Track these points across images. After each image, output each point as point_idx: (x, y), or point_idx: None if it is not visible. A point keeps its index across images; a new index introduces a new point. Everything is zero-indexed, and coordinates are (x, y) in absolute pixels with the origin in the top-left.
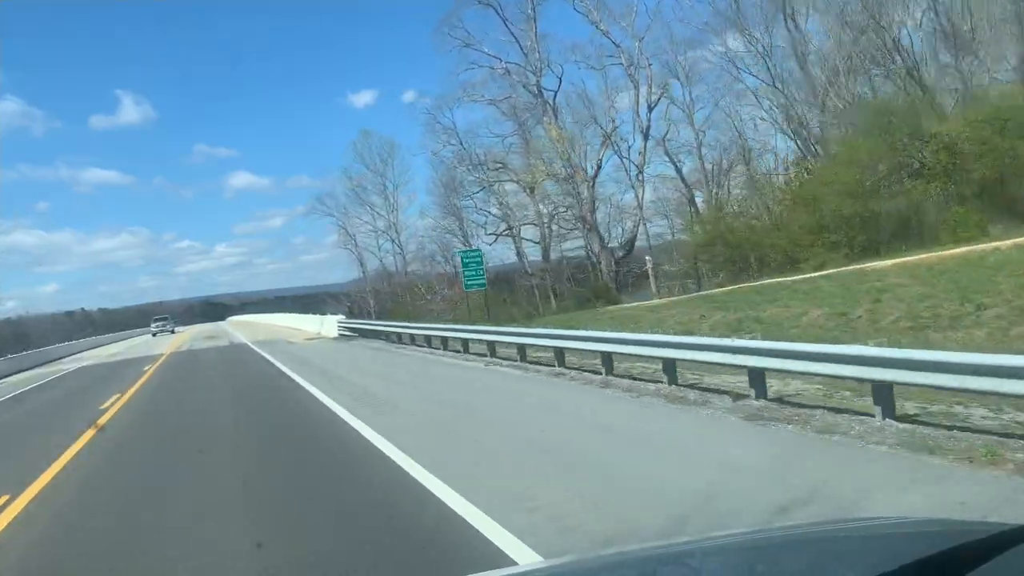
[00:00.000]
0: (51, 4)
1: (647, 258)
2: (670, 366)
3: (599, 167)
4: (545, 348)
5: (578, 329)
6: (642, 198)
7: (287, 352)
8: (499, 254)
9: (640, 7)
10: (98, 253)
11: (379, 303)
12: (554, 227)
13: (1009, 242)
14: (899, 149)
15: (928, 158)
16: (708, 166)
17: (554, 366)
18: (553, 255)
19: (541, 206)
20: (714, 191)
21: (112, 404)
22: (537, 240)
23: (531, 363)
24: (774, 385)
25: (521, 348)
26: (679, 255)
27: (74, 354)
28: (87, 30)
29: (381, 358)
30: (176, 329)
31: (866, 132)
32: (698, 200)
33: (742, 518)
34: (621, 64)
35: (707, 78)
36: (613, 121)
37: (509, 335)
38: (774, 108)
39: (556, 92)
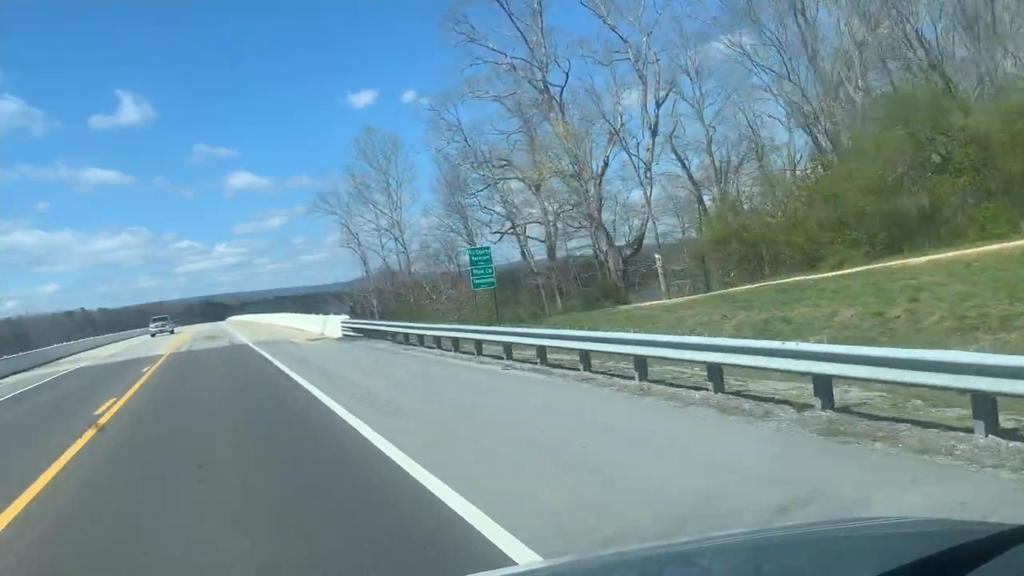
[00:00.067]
0: (51, 4)
1: (656, 256)
2: (716, 372)
3: (606, 164)
4: (565, 350)
5: (593, 330)
6: (650, 196)
7: (290, 353)
8: (503, 253)
9: (648, 1)
10: (98, 253)
11: (382, 303)
12: (559, 225)
13: None
14: (924, 143)
15: (955, 152)
16: (718, 163)
17: (579, 370)
18: (558, 254)
19: (547, 204)
20: (723, 188)
21: (107, 409)
22: (542, 239)
23: (552, 366)
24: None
25: (541, 350)
26: (688, 254)
27: (73, 355)
28: (87, 30)
29: (391, 361)
30: (175, 329)
31: (888, 126)
32: (706, 198)
33: None
34: (629, 59)
35: (717, 73)
36: (620, 116)
37: (528, 336)
38: (789, 103)
39: (563, 88)
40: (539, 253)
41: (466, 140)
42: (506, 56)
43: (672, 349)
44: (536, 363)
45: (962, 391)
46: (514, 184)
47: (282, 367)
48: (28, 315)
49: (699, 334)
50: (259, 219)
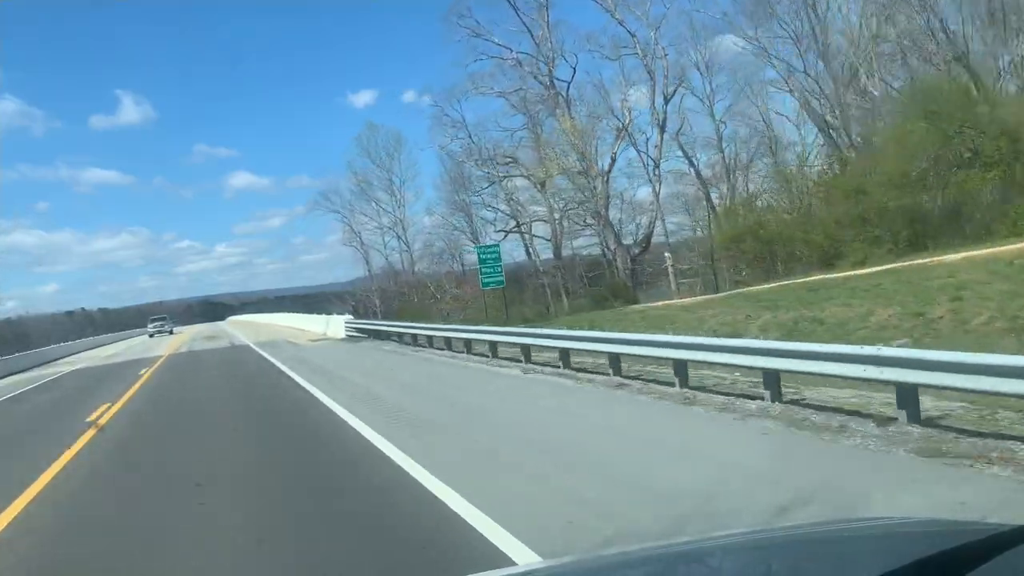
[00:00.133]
0: (51, 4)
1: (667, 255)
2: (773, 379)
3: (613, 161)
4: (588, 352)
5: (608, 331)
6: (659, 193)
7: (293, 355)
8: (507, 251)
9: None
10: (98, 253)
11: (384, 303)
12: (565, 224)
13: None
14: (951, 137)
15: (985, 145)
16: (729, 159)
17: (608, 375)
18: (564, 253)
19: (552, 202)
20: (733, 185)
21: (101, 415)
22: (548, 237)
23: (576, 369)
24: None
25: (564, 353)
26: (698, 252)
27: (71, 355)
28: (87, 30)
29: (401, 364)
30: (175, 330)
31: (912, 119)
32: (713, 196)
33: None
34: (637, 54)
35: (728, 67)
36: (629, 112)
37: (549, 338)
38: (802, 97)
39: (570, 83)
40: (544, 252)
41: (470, 137)
42: (511, 51)
43: (721, 353)
44: (558, 367)
45: None
46: (519, 182)
47: (285, 369)
48: (28, 315)
49: (697, 334)
50: (259, 219)
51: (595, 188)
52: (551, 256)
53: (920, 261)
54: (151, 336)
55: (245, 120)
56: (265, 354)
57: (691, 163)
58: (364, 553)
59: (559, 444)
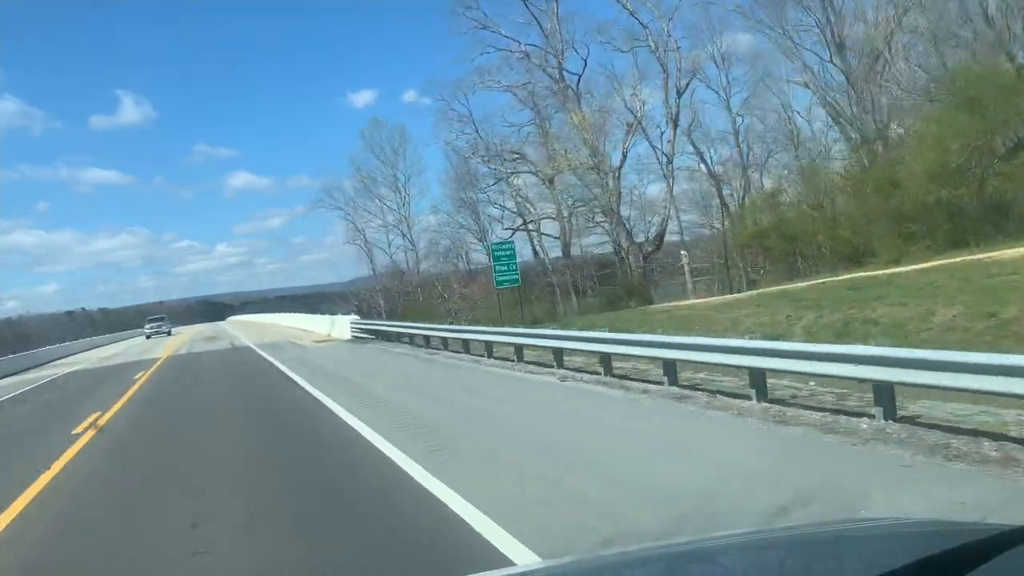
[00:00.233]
0: (51, 4)
1: (683, 253)
2: (887, 393)
3: (624, 156)
4: (630, 357)
5: (634, 332)
6: (672, 189)
7: (298, 358)
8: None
9: None
10: (98, 253)
11: (388, 302)
12: (574, 221)
13: None
14: (998, 126)
15: None
16: (745, 153)
17: (662, 383)
18: (573, 251)
19: (561, 199)
20: (747, 180)
21: (89, 426)
22: (556, 235)
23: (619, 376)
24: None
25: (605, 359)
26: (710, 250)
27: (68, 356)
28: (87, 30)
29: (418, 369)
30: (173, 330)
31: (953, 108)
32: (725, 192)
33: None
34: (649, 47)
35: (745, 59)
36: (642, 105)
37: (587, 341)
38: (824, 89)
39: (580, 76)
40: (552, 251)
41: (477, 131)
42: (519, 43)
43: (808, 362)
44: (598, 373)
45: None
46: (526, 179)
47: (294, 376)
48: (28, 315)
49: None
50: (259, 219)
51: (606, 184)
52: (559, 255)
53: (972, 257)
54: (148, 337)
55: (245, 120)
56: (268, 357)
57: (702, 159)
58: None
59: (655, 483)
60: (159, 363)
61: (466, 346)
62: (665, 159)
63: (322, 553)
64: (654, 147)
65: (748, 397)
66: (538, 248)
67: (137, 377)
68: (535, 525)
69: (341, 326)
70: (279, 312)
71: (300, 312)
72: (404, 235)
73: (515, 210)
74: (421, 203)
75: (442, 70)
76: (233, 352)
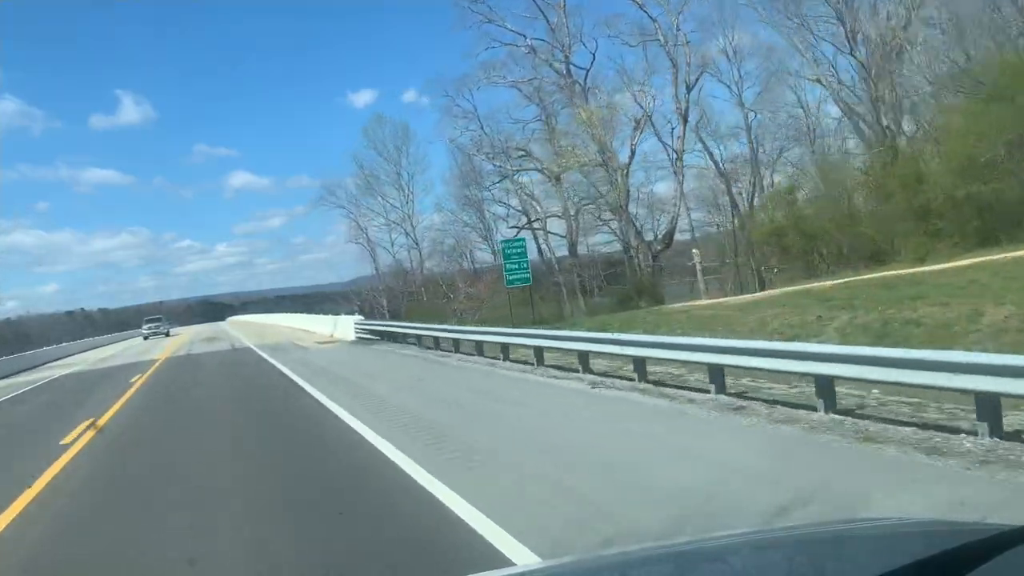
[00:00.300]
0: (51, 4)
1: (694, 251)
2: (990, 405)
3: (633, 153)
4: (663, 361)
5: (654, 333)
6: (682, 186)
7: (303, 361)
8: None
9: None
10: (98, 253)
11: (392, 302)
12: (580, 220)
13: None
14: None
15: None
16: (757, 149)
17: (707, 391)
18: (579, 250)
19: (567, 197)
20: (761, 177)
21: (80, 435)
22: (562, 234)
23: (654, 383)
24: None
25: (640, 363)
26: (719, 248)
27: (64, 357)
28: (87, 30)
29: (431, 372)
30: (172, 331)
31: (985, 99)
32: (734, 191)
33: None
34: (659, 41)
35: (758, 52)
36: (653, 99)
37: (620, 344)
38: (841, 83)
39: (588, 70)
40: (558, 249)
41: (482, 127)
42: (525, 38)
43: (911, 371)
44: (631, 379)
45: None
46: (531, 176)
47: (295, 377)
48: (28, 315)
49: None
50: (259, 219)
51: (615, 181)
52: (565, 254)
53: (1011, 255)
54: (145, 338)
55: (245, 120)
56: (270, 359)
57: (710, 156)
58: None
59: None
60: (157, 364)
61: (480, 348)
62: (674, 155)
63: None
64: (664, 143)
65: (812, 407)
66: (544, 247)
67: (134, 380)
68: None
69: (345, 327)
70: (279, 312)
71: (300, 312)
72: (408, 234)
73: (520, 208)
74: (425, 201)
75: (443, 70)
76: (233, 354)
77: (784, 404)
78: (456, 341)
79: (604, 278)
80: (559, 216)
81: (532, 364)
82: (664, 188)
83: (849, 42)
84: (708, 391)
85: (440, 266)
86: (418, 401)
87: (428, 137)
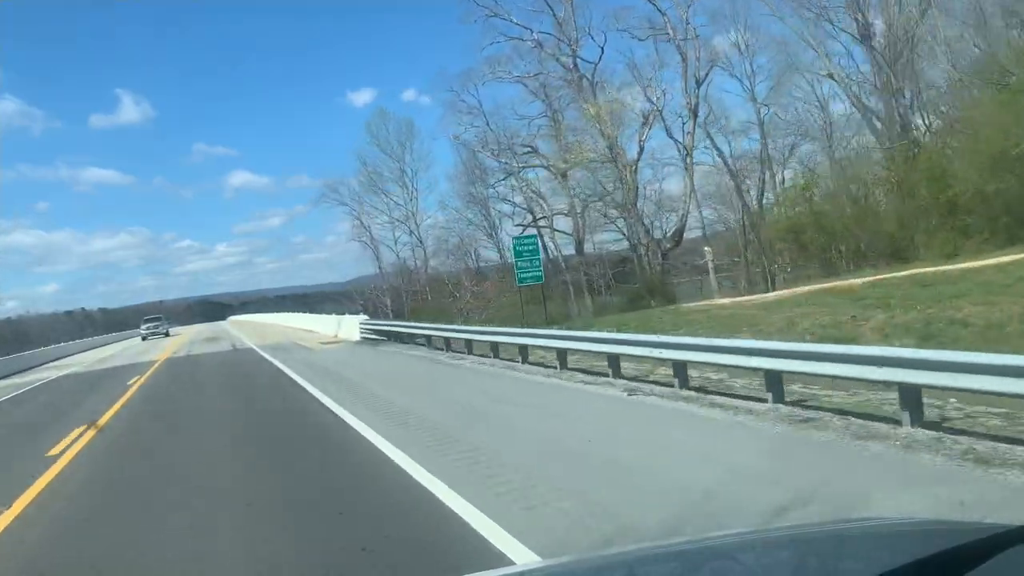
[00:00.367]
0: (51, 4)
1: (706, 249)
2: None
3: (641, 149)
4: (704, 365)
5: (672, 334)
6: (692, 183)
7: (308, 362)
8: None
9: None
10: (98, 253)
11: (395, 301)
12: (587, 217)
13: None
14: None
15: None
16: (771, 144)
17: (764, 400)
18: (586, 248)
19: (574, 194)
20: (774, 173)
21: (70, 445)
22: (569, 232)
23: (695, 389)
24: None
25: (680, 367)
26: (735, 247)
27: (61, 358)
28: (87, 30)
29: (448, 377)
30: (171, 331)
31: (1015, 90)
32: (744, 187)
33: None
34: (668, 34)
35: (772, 45)
36: (664, 94)
37: (662, 347)
38: (858, 76)
39: (596, 64)
40: (564, 248)
41: (488, 123)
42: (531, 32)
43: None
44: (671, 385)
45: None
46: (538, 173)
47: (300, 380)
48: (28, 315)
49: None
50: (259, 219)
51: (624, 178)
52: (572, 252)
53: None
54: (144, 339)
55: (245, 120)
56: (273, 360)
57: (719, 152)
58: None
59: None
60: (156, 366)
61: (494, 349)
62: (684, 151)
63: None
64: (674, 139)
65: (889, 420)
66: (550, 245)
67: (131, 382)
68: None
69: (349, 327)
70: (279, 312)
71: (300, 312)
72: (412, 232)
73: (525, 206)
74: (428, 198)
75: (443, 69)
76: (235, 356)
77: (855, 415)
78: (469, 342)
79: (612, 277)
80: (565, 214)
81: (554, 367)
82: (671, 185)
83: (864, 34)
84: (764, 400)
85: (445, 265)
86: (440, 411)
87: (431, 134)
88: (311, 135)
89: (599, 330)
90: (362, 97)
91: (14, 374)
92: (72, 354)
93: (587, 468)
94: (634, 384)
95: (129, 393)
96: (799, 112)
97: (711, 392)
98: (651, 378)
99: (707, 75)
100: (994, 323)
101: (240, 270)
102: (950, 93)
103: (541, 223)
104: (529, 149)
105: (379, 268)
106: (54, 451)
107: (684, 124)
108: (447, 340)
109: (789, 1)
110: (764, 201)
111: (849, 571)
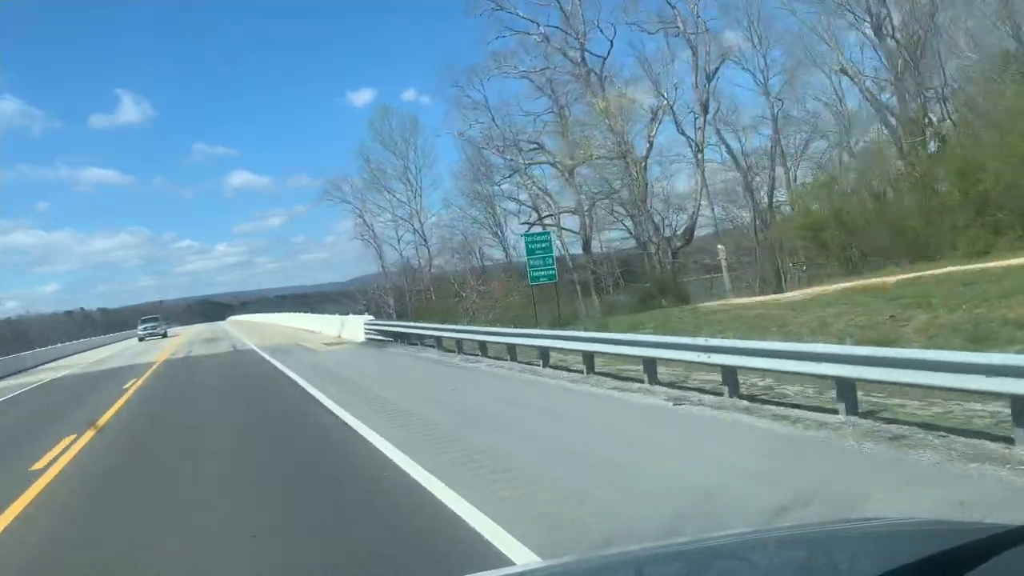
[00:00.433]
0: (51, 4)
1: (719, 247)
2: None
3: (651, 145)
4: (751, 370)
5: (695, 336)
6: (704, 179)
7: (312, 365)
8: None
9: None
10: (98, 253)
11: (398, 301)
12: (595, 215)
13: None
14: None
15: None
16: (784, 140)
17: (835, 412)
18: (593, 247)
19: (581, 191)
20: (787, 168)
21: (56, 457)
22: (576, 230)
23: (746, 397)
24: None
25: (730, 373)
26: (748, 245)
27: (57, 360)
28: (87, 30)
29: (468, 381)
30: (170, 331)
31: None
32: (755, 184)
33: None
34: (678, 27)
35: (786, 37)
36: (676, 88)
37: (707, 351)
38: (881, 67)
39: (605, 58)
40: (571, 247)
41: (493, 119)
42: (538, 26)
43: None
44: (719, 393)
45: None
46: (544, 171)
47: (305, 385)
48: (28, 315)
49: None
50: (259, 219)
51: (633, 174)
52: (579, 251)
53: None
54: (141, 339)
55: (245, 120)
56: (279, 364)
57: (728, 149)
58: None
59: None
60: (155, 367)
61: (511, 352)
62: (695, 147)
63: None
64: (685, 135)
65: (1003, 439)
66: (557, 243)
67: (127, 386)
68: None
69: (353, 327)
70: (279, 312)
71: (300, 312)
72: (415, 230)
73: (530, 203)
74: (433, 196)
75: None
76: (236, 356)
77: (951, 431)
78: (483, 344)
79: (620, 276)
80: (572, 212)
81: (579, 372)
82: (678, 183)
83: (880, 26)
84: (833, 411)
85: (450, 264)
86: (465, 423)
87: (435, 131)
88: (311, 135)
89: (602, 331)
90: (362, 97)
91: (9, 375)
92: (69, 355)
93: (661, 500)
94: (675, 391)
95: (125, 397)
96: (813, 108)
97: (767, 401)
98: (690, 384)
99: (717, 69)
100: None
101: (240, 270)
102: (975, 84)
103: (547, 221)
104: (535, 146)
105: (382, 267)
106: (39, 464)
107: (696, 119)
108: (459, 342)
109: None
110: (774, 198)
111: (849, 571)
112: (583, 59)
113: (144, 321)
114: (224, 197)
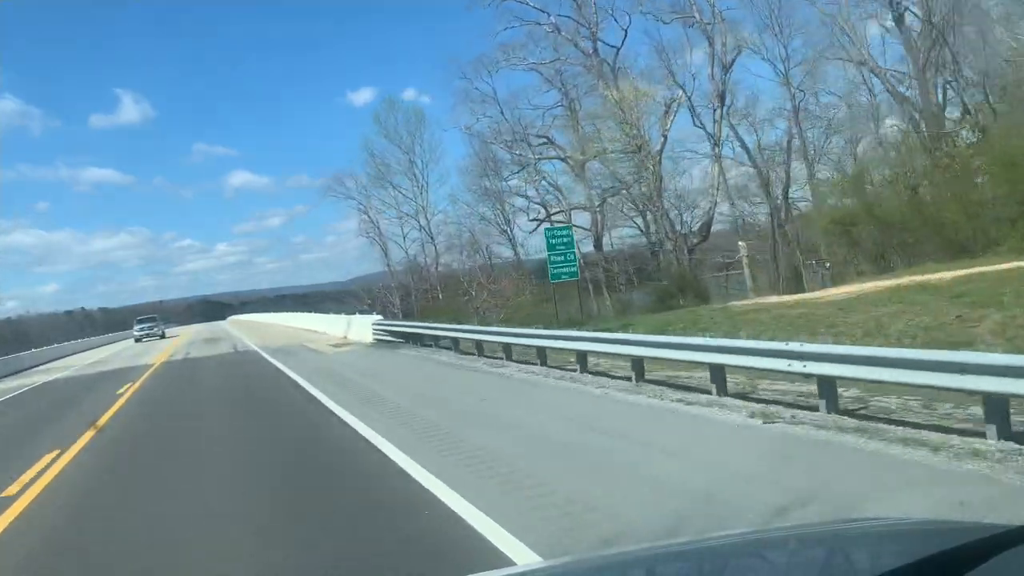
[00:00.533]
0: (51, 4)
1: (740, 244)
2: None
3: (665, 139)
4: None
5: (820, 342)
6: (722, 173)
7: (321, 371)
8: (534, 244)
9: None
10: (98, 253)
11: (404, 300)
12: (606, 212)
13: None
14: None
15: None
16: (805, 133)
17: (980, 434)
18: (604, 244)
19: (592, 187)
20: (809, 162)
21: (37, 475)
22: (587, 227)
23: (858, 416)
24: None
25: (828, 385)
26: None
27: (54, 360)
28: (87, 30)
29: (502, 391)
30: (169, 332)
31: None
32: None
33: None
34: (694, 17)
35: (809, 26)
36: (693, 79)
37: (798, 358)
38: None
39: (618, 49)
40: (582, 244)
41: (502, 112)
42: (549, 15)
43: None
44: (813, 408)
45: None
46: (553, 166)
47: (319, 395)
48: (28, 315)
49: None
50: (259, 218)
51: (648, 169)
52: (590, 248)
53: None
54: (138, 341)
55: (245, 120)
56: (280, 366)
57: (742, 143)
58: None
59: None
60: (153, 369)
61: (542, 355)
62: (712, 140)
63: None
64: (703, 127)
65: None
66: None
67: (121, 391)
68: None
69: (360, 328)
70: (280, 311)
71: (302, 311)
72: (422, 227)
73: (539, 199)
74: (439, 192)
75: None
76: (236, 357)
77: None
78: (508, 346)
79: (634, 273)
80: (583, 208)
81: (624, 378)
82: (691, 178)
83: (901, 16)
84: (978, 432)
85: (457, 262)
86: (509, 443)
87: (441, 126)
88: (311, 135)
89: (626, 332)
90: (362, 96)
91: (3, 377)
92: (64, 356)
93: None
94: (754, 404)
95: (119, 403)
96: (834, 100)
97: (874, 418)
98: (762, 395)
99: (734, 61)
100: None
101: (240, 270)
102: (1016, 69)
103: (557, 218)
104: (544, 140)
105: (387, 265)
106: (11, 489)
107: (715, 111)
108: (478, 343)
109: None
110: (792, 193)
111: (849, 571)
112: (595, 50)
113: (140, 321)
114: (224, 197)
